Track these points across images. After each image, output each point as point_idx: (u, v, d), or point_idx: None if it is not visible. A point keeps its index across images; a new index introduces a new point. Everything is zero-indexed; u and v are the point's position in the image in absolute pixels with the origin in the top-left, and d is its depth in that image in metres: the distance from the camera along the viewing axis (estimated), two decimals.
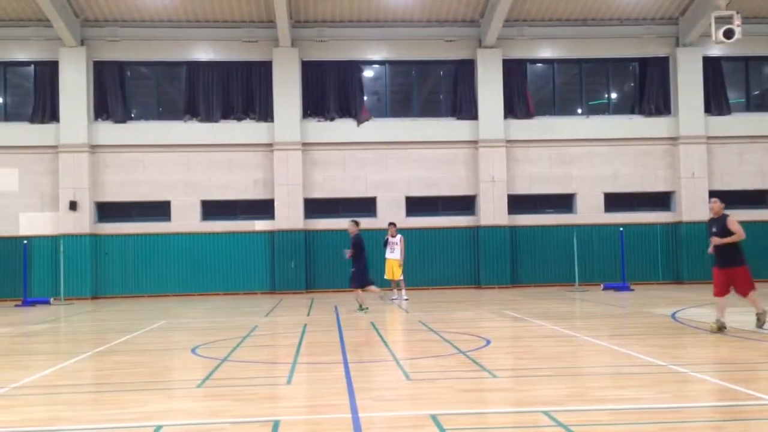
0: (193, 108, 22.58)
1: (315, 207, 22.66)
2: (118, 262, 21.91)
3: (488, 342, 9.90)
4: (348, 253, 15.08)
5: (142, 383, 7.63)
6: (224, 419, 5.66)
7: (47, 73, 22.14)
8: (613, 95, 24.65)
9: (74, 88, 21.81)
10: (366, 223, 22.52)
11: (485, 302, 17.21)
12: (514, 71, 23.23)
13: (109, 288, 21.73)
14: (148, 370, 8.52)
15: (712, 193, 20.75)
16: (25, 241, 20.40)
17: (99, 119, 22.26)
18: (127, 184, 22.14)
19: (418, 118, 23.15)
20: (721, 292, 10.29)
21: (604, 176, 23.18)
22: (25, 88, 22.78)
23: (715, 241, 10.24)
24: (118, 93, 22.42)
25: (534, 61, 23.80)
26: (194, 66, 22.61)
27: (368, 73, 23.75)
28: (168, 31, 22.38)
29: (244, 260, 22.16)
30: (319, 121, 22.80)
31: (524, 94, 23.39)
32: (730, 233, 10.16)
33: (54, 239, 21.54)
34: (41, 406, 6.59)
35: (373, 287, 15.41)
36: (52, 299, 20.08)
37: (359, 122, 22.80)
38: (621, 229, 21.44)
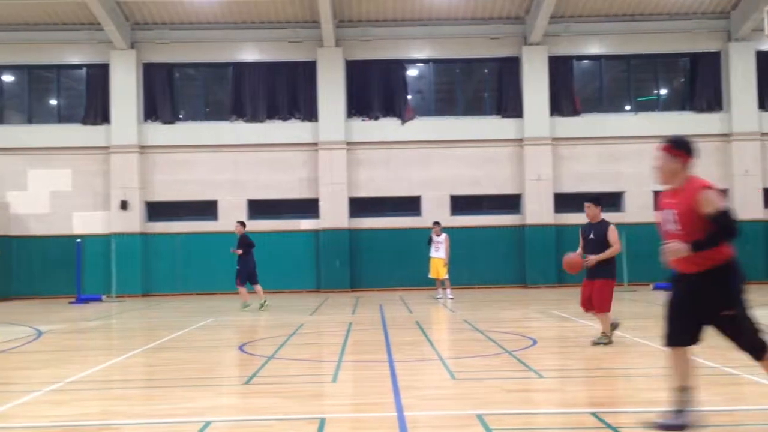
0: (239, 108, 22.87)
1: (360, 206, 22.74)
2: (167, 260, 22.31)
3: (534, 342, 9.81)
4: (235, 251, 16.34)
5: (191, 379, 7.75)
6: (271, 416, 5.73)
7: (99, 76, 22.67)
8: (663, 91, 24.18)
9: (125, 90, 22.28)
10: (410, 222, 22.53)
11: (531, 302, 17.05)
12: (560, 68, 22.96)
13: (158, 285, 22.14)
14: (197, 366, 8.66)
15: None
16: (79, 240, 20.89)
17: (148, 120, 22.69)
18: (175, 184, 22.52)
19: (463, 117, 23.06)
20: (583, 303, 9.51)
21: (654, 174, 22.70)
22: (78, 91, 23.35)
23: (591, 260, 9.16)
24: (167, 94, 22.83)
25: (580, 58, 23.49)
26: (240, 67, 22.90)
27: (412, 71, 23.74)
28: (215, 32, 22.71)
29: (290, 259, 22.35)
30: (363, 120, 22.87)
31: (570, 91, 23.11)
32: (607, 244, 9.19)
33: (106, 238, 22.03)
34: (95, 400, 6.75)
35: (258, 287, 16.36)
36: (104, 296, 20.55)
37: (403, 121, 22.81)
38: None
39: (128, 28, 22.41)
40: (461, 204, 22.70)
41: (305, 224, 22.61)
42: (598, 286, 9.29)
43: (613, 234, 9.31)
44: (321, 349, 10.07)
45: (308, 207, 22.65)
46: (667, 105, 23.72)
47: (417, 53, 23.21)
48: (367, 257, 22.41)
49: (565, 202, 22.60)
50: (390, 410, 5.81)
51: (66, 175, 22.51)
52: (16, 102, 23.43)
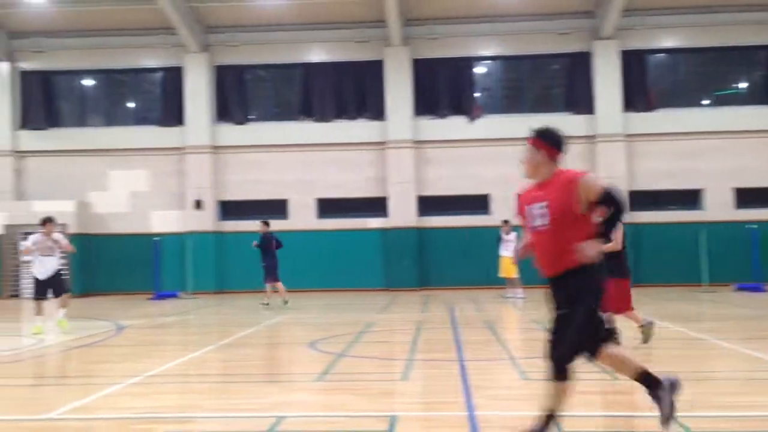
0: (307, 108, 23.16)
1: (428, 204, 22.72)
2: (239, 258, 22.76)
3: None
4: (255, 244, 17.20)
5: (264, 375, 7.91)
6: (342, 413, 5.79)
7: (173, 79, 23.32)
8: (743, 85, 23.30)
9: (198, 92, 22.86)
10: (479, 220, 22.37)
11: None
12: (632, 63, 22.40)
13: (231, 283, 22.62)
14: (270, 362, 8.82)
15: None
16: (157, 238, 21.54)
17: (220, 121, 23.22)
18: (246, 183, 22.98)
19: (531, 114, 22.73)
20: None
21: (734, 170, 21.96)
22: (154, 94, 24.08)
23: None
24: (238, 95, 23.32)
25: (654, 52, 22.86)
26: (308, 67, 23.18)
27: (480, 69, 23.56)
28: (283, 34, 23.05)
29: (359, 257, 22.50)
30: (430, 118, 22.84)
31: (644, 86, 22.52)
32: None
33: (181, 236, 22.65)
34: (173, 393, 6.96)
35: (277, 285, 16.87)
36: (180, 293, 21.14)
37: (471, 119, 22.67)
38: (755, 226, 20.25)
39: (201, 31, 22.97)
40: None
41: (374, 223, 22.73)
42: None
43: (615, 231, 8.90)
44: (391, 348, 10.10)
45: (376, 205, 22.77)
46: (748, 99, 22.85)
47: (484, 50, 23.03)
48: (436, 256, 22.38)
49: (639, 200, 22.04)
50: (460, 410, 5.79)
51: (143, 175, 23.24)
52: (97, 105, 24.32)
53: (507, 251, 17.69)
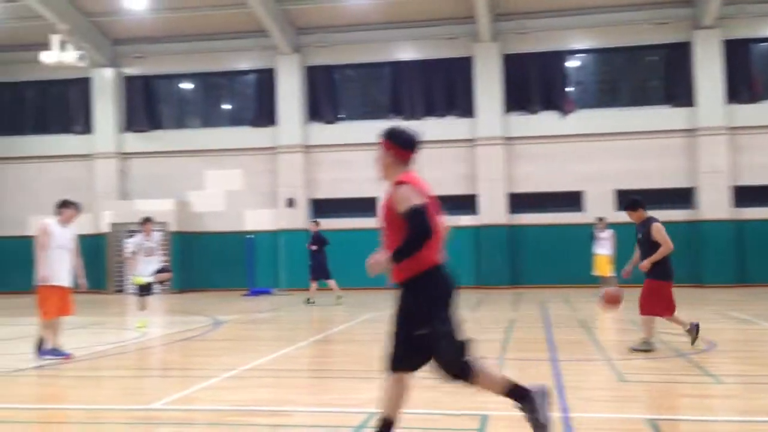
0: (397, 106, 23.23)
1: (519, 201, 22.38)
2: (331, 255, 23.01)
3: (712, 345, 9.20)
4: (310, 246, 17.50)
5: (356, 371, 7.98)
6: (434, 410, 5.77)
7: (266, 80, 23.88)
8: None
9: (289, 92, 23.32)
10: (572, 217, 21.87)
11: (707, 302, 15.99)
12: (736, 52, 21.36)
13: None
14: (361, 358, 8.89)
15: None
16: (251, 236, 22.11)
17: (311, 121, 23.60)
18: (337, 182, 23.27)
19: (627, 107, 22.04)
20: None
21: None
22: (248, 95, 24.73)
23: (644, 265, 8.63)
24: (328, 95, 23.65)
25: (760, 41, 21.72)
26: (397, 65, 23.25)
27: (572, 63, 23.01)
28: (372, 33, 23.20)
29: (450, 255, 22.30)
30: (521, 114, 22.49)
31: (749, 77, 21.44)
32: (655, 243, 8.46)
33: (274, 234, 23.17)
34: (267, 388, 7.12)
35: (332, 282, 17.21)
36: (274, 290, 21.64)
37: (564, 114, 22.18)
38: None
39: (292, 33, 23.42)
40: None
41: (464, 220, 22.57)
42: (648, 286, 8.65)
43: (657, 233, 8.59)
44: (482, 346, 9.97)
45: (466, 203, 22.61)
46: None
47: (577, 43, 22.49)
48: (528, 253, 22.03)
49: (745, 195, 21.02)
50: (554, 410, 5.67)
51: (237, 174, 23.90)
52: (194, 107, 25.19)
53: (602, 249, 17.27)
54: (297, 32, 23.57)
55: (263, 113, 23.86)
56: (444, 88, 23.01)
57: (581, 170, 21.93)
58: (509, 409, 5.96)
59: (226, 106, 25.19)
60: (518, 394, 4.41)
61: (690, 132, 21.35)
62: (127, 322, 14.68)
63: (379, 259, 4.20)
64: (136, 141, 24.33)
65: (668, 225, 9.31)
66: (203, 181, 23.96)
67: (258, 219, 23.54)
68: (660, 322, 9.00)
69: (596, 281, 17.93)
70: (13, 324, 13.85)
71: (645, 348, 8.51)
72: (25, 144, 24.59)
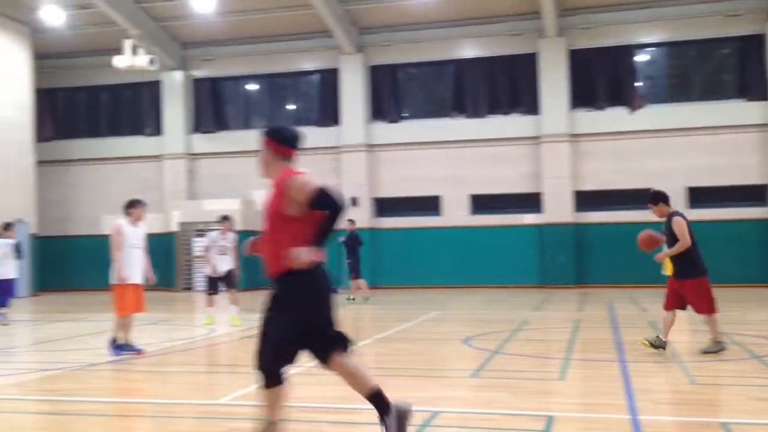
0: (460, 104, 23.12)
1: (586, 199, 21.97)
2: (394, 254, 23.15)
3: None
4: (342, 240, 17.80)
5: (419, 370, 7.98)
6: (498, 410, 5.72)
7: (329, 80, 24.10)
8: None
9: (353, 92, 23.47)
10: (642, 215, 21.26)
11: None
12: None
13: (385, 278, 23.01)
14: (424, 357, 8.89)
15: None
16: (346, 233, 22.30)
17: (375, 120, 23.70)
18: (400, 181, 23.30)
19: (699, 102, 21.37)
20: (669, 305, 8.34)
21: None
22: (311, 95, 25.01)
23: (658, 256, 8.38)
24: (391, 94, 23.70)
25: None
26: (460, 63, 23.13)
27: (641, 57, 22.45)
28: (435, 31, 23.14)
29: (512, 254, 22.17)
30: (588, 111, 22.07)
31: None
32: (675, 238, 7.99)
33: (339, 232, 23.33)
34: (333, 385, 7.15)
35: (361, 281, 17.52)
36: (339, 288, 21.79)
37: (632, 110, 21.66)
38: None
39: (356, 33, 23.55)
40: (699, 196, 21.06)
41: (528, 219, 22.31)
42: (688, 287, 8.26)
43: (677, 226, 8.25)
44: (547, 346, 9.87)
45: (531, 201, 22.33)
46: None
47: (645, 37, 21.93)
48: (594, 252, 21.60)
49: None
50: (622, 412, 5.55)
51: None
52: (259, 108, 25.61)
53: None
54: (360, 32, 23.69)
55: (327, 113, 24.08)
56: (508, 85, 22.78)
57: (650, 167, 21.37)
58: (576, 410, 5.87)
59: (291, 107, 25.52)
60: (381, 404, 4.43)
61: (765, 127, 20.56)
62: (195, 319, 15.04)
63: (302, 250, 4.22)
64: (203, 142, 24.89)
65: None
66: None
67: None
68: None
69: (664, 281, 17.44)
70: (89, 320, 14.35)
71: (716, 349, 8.24)
72: (100, 146, 25.45)
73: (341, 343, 4.50)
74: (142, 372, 8.25)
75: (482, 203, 22.80)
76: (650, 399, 6.03)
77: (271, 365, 4.39)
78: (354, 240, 17.96)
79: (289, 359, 4.43)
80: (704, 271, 8.38)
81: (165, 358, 9.11)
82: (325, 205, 4.25)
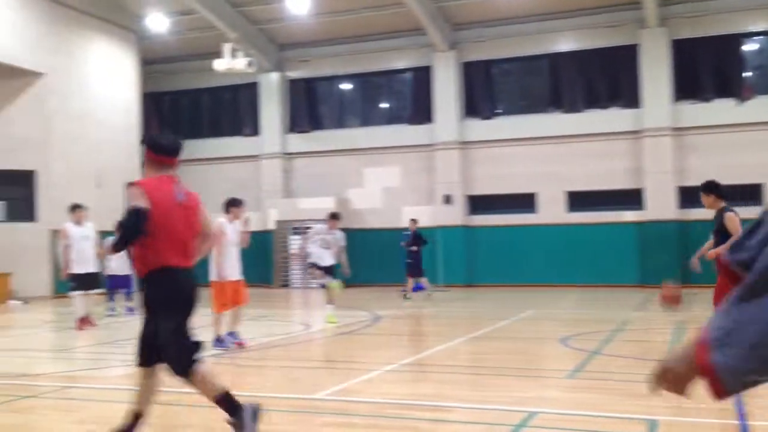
0: (556, 99, 22.63)
1: (689, 196, 21.05)
2: (489, 252, 22.91)
3: None
4: (406, 244, 17.97)
5: (514, 369, 7.86)
6: (597, 412, 5.56)
7: (422, 78, 24.09)
8: None
9: (446, 89, 23.38)
10: (751, 212, 20.25)
11: None
12: None
13: (481, 276, 22.83)
14: (520, 357, 8.75)
15: None
16: (409, 233, 22.36)
17: (468, 117, 23.52)
18: (494, 178, 23.03)
19: None
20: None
21: None
22: (404, 93, 25.07)
23: (710, 253, 7.75)
24: (485, 90, 23.46)
25: None
26: (556, 57, 22.63)
27: (748, 46, 21.32)
28: (529, 26, 22.72)
29: (611, 252, 21.52)
30: (692, 103, 21.15)
31: None
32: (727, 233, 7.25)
33: (431, 231, 23.32)
34: (426, 382, 7.17)
35: (424, 280, 17.71)
36: (431, 286, 21.76)
37: (741, 101, 20.60)
38: None
39: (449, 30, 23.44)
40: None
41: (628, 216, 21.60)
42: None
43: (730, 221, 7.59)
44: (648, 347, 9.53)
45: (631, 198, 21.61)
46: None
47: (752, 25, 20.80)
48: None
49: None
50: (730, 417, 5.28)
51: (395, 172, 24.30)
52: (353, 107, 25.90)
53: None
54: (453, 29, 23.57)
55: (420, 111, 24.09)
56: (606, 78, 22.12)
57: (762, 161, 20.26)
58: (680, 414, 5.63)
59: (384, 105, 25.68)
60: (230, 406, 4.49)
61: None
62: (292, 315, 15.36)
63: (107, 244, 4.69)
64: (299, 141, 25.38)
65: None
66: (362, 179, 24.57)
67: (415, 215, 23.77)
68: None
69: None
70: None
71: None
72: (202, 147, 26.35)
73: (195, 348, 4.64)
74: (241, 366, 8.49)
75: (579, 200, 22.24)
76: (761, 405, 5.72)
77: (184, 361, 4.54)
78: (416, 239, 18.10)
79: (190, 346, 4.60)
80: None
81: (263, 352, 9.35)
82: (124, 222, 4.49)
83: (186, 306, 4.64)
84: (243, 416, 4.48)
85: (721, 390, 1.52)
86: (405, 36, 23.95)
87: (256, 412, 4.53)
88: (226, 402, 4.52)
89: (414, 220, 18.89)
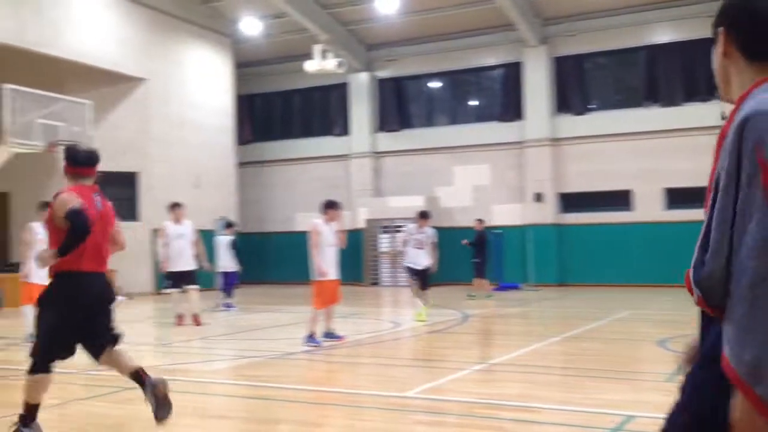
0: (653, 93, 21.87)
1: None
2: (581, 250, 22.39)
3: None
4: (465, 241, 17.95)
5: (608, 371, 7.65)
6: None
7: (512, 74, 23.77)
8: None
9: (536, 85, 22.99)
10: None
11: None
12: None
13: (573, 276, 22.34)
14: (614, 358, 8.51)
15: None
16: (499, 231, 22.16)
17: (560, 113, 23.05)
18: (587, 175, 22.48)
19: None
20: None
21: None
22: (493, 90, 24.81)
23: None
24: (577, 85, 22.92)
25: None
26: (652, 49, 21.86)
27: None
28: (623, 18, 22.03)
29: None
30: None
31: None
32: None
33: (521, 229, 23.01)
34: (515, 382, 7.08)
35: (485, 281, 17.66)
36: (522, 285, 21.49)
37: None
38: None
39: (539, 25, 23.03)
40: None
41: None
42: None
43: None
44: None
45: None
46: None
47: None
48: None
49: None
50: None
51: (485, 170, 24.08)
52: (441, 105, 25.82)
53: None
54: (543, 23, 23.14)
55: (510, 108, 23.79)
56: (707, 69, 21.17)
57: None
58: None
59: (473, 103, 25.50)
60: (140, 379, 4.95)
61: None
62: (383, 313, 15.47)
63: (43, 254, 4.83)
64: (387, 140, 25.53)
65: None
66: (452, 177, 24.47)
67: (506, 214, 23.52)
68: None
69: None
70: (285, 311, 15.23)
71: None
72: (293, 147, 26.91)
73: (111, 340, 5.07)
74: (333, 363, 8.62)
75: (678, 197, 21.41)
76: None
77: (42, 355, 4.87)
78: (482, 240, 18.00)
79: (58, 353, 4.91)
80: None
81: (354, 350, 9.45)
82: (72, 223, 4.74)
83: (80, 310, 4.93)
84: (148, 387, 4.91)
85: None
86: (494, 32, 23.70)
87: (163, 385, 4.93)
88: (137, 377, 4.98)
89: (480, 221, 18.65)
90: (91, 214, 4.87)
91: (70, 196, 4.87)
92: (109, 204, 5.22)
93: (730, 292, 1.54)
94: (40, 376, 4.85)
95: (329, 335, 9.76)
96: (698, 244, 1.71)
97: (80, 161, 5.15)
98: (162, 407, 4.93)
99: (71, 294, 4.88)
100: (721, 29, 1.81)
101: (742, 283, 1.50)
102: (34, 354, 4.89)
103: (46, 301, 4.95)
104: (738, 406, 1.52)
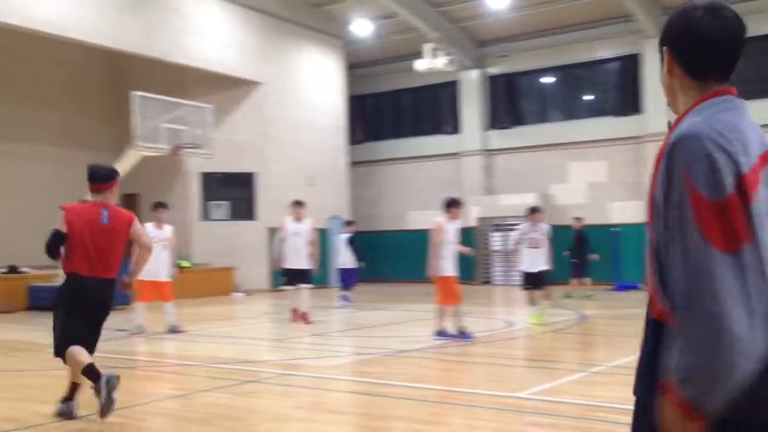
0: None
1: None
2: None
3: None
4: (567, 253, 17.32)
5: None
6: None
7: (629, 67, 22.91)
8: None
9: (657, 77, 22.05)
10: None
11: None
12: None
13: None
14: None
15: None
16: (617, 229, 21.45)
17: None
18: None
19: None
20: None
21: None
22: (609, 84, 23.99)
23: None
24: None
25: None
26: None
27: None
28: (748, 5, 20.77)
29: None
30: None
31: None
32: None
33: (640, 227, 22.14)
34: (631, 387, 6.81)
35: (586, 280, 17.26)
36: (641, 285, 20.70)
37: None
38: None
39: (658, 14, 22.07)
40: None
41: None
42: None
43: None
44: None
45: None
46: None
47: None
48: None
49: None
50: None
51: (601, 166, 23.34)
52: (555, 101, 25.22)
53: None
54: (663, 12, 22.17)
55: (627, 102, 22.95)
56: None
57: None
58: None
59: (588, 97, 24.76)
60: (93, 375, 5.28)
61: None
62: (494, 311, 15.30)
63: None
64: (499, 138, 25.21)
65: None
66: (566, 174, 23.89)
67: (623, 211, 22.71)
68: None
69: None
70: (398, 309, 15.34)
71: None
72: (403, 146, 27.06)
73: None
74: (445, 361, 8.60)
75: None
76: None
77: (57, 344, 5.58)
78: (580, 239, 17.57)
79: (72, 341, 5.49)
80: None
81: (466, 349, 9.39)
82: (47, 239, 5.59)
83: (83, 307, 5.58)
84: (100, 383, 5.25)
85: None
86: (609, 24, 22.93)
87: (111, 381, 5.25)
88: (88, 372, 5.33)
89: (578, 219, 18.00)
90: (82, 228, 5.56)
91: (59, 216, 5.62)
92: (124, 215, 5.82)
93: (672, 306, 1.66)
94: (65, 356, 5.51)
95: (463, 335, 9.71)
96: (649, 259, 1.82)
97: (92, 179, 5.78)
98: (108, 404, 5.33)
99: (72, 293, 5.59)
100: (665, 48, 1.96)
101: (677, 298, 1.61)
102: (54, 340, 5.63)
103: (58, 297, 5.68)
104: (664, 407, 1.68)
